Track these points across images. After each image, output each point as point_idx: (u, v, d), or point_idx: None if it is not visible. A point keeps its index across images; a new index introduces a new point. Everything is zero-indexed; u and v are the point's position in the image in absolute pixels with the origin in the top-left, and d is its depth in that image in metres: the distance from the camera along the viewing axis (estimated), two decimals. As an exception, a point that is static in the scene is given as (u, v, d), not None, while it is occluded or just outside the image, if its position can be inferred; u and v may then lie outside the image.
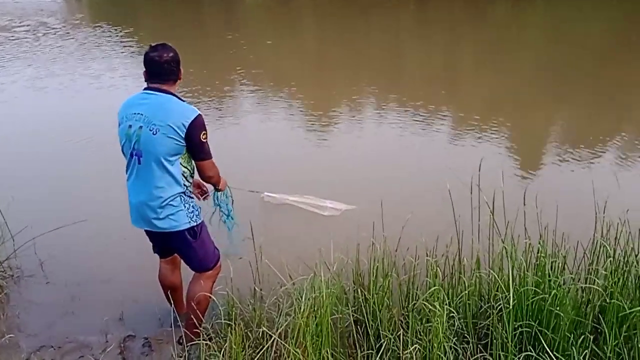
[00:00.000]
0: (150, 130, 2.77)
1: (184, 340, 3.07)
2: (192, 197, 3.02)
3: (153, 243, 3.20)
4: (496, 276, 2.81)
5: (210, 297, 3.10)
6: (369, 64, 11.41)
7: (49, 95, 8.85)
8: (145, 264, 3.51)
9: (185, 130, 2.76)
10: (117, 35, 13.60)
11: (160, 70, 2.83)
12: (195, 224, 2.97)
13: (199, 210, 3.04)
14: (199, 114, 2.82)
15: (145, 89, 2.88)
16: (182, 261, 3.24)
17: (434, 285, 2.85)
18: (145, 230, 3.05)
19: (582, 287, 2.81)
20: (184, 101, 2.89)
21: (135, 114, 2.82)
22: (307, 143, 6.84)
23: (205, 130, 2.84)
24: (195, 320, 3.07)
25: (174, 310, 3.43)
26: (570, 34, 14.22)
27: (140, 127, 2.78)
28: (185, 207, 2.93)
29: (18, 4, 19.34)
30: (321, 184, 5.22)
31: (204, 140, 2.84)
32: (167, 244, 3.14)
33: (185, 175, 2.91)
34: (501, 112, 8.04)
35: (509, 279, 2.71)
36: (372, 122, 7.70)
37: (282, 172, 5.59)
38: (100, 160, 5.74)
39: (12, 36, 13.67)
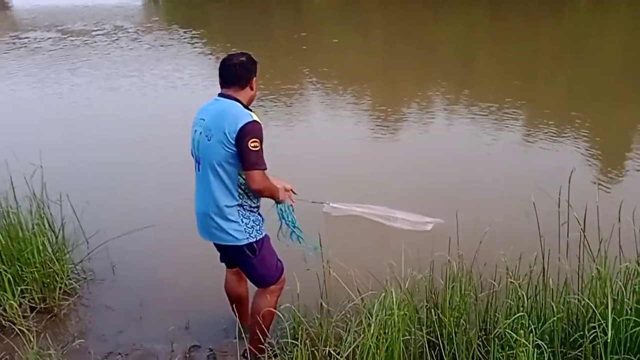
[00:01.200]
0: (207, 136, 2.72)
1: (249, 355, 2.99)
2: (254, 211, 2.89)
3: (219, 252, 3.14)
4: (589, 302, 2.52)
5: (274, 312, 3.00)
6: (439, 61, 11.10)
7: (121, 96, 9.14)
8: (213, 273, 3.45)
9: (235, 136, 2.66)
10: (187, 37, 13.93)
11: (228, 74, 2.79)
12: (253, 239, 2.85)
13: (260, 224, 2.91)
14: (254, 121, 2.69)
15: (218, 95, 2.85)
16: (247, 273, 3.15)
17: (517, 310, 2.61)
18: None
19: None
20: (250, 110, 2.79)
21: (201, 119, 2.79)
22: (375, 146, 6.69)
23: (257, 138, 2.66)
24: (260, 336, 2.97)
25: (239, 322, 3.38)
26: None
27: (201, 132, 2.76)
28: (243, 221, 2.82)
29: (98, 6, 20.30)
30: (390, 191, 5.03)
31: (253, 149, 2.65)
32: (228, 255, 3.08)
33: (243, 187, 2.79)
34: (584, 114, 7.55)
35: (604, 306, 2.43)
36: (444, 124, 7.44)
37: (347, 177, 5.41)
38: (171, 163, 5.81)
39: (88, 40, 14.27)
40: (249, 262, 2.92)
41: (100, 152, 6.54)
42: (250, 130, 2.66)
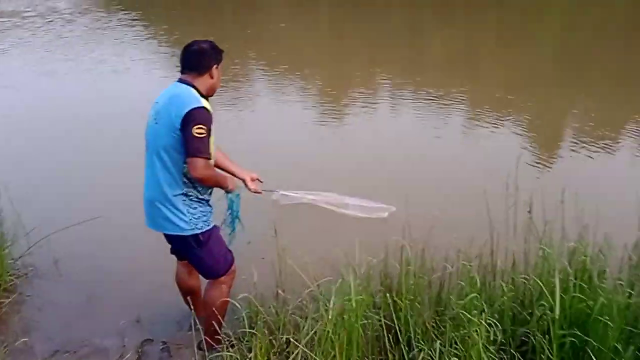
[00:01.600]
0: (155, 119, 2.67)
1: (204, 346, 2.95)
2: (202, 202, 2.80)
3: (169, 243, 3.05)
4: (539, 282, 2.62)
5: (227, 302, 2.97)
6: (387, 46, 11.17)
7: (57, 81, 8.75)
8: (163, 265, 3.36)
9: (180, 121, 2.58)
10: (127, 20, 13.42)
11: (187, 60, 2.74)
12: (199, 231, 2.77)
13: (207, 215, 2.83)
14: (202, 107, 2.61)
15: None
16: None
17: (470, 292, 2.68)
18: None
19: (630, 293, 2.61)
20: (205, 98, 2.72)
21: (155, 102, 2.73)
22: (323, 132, 6.68)
23: (203, 125, 2.57)
24: (215, 327, 2.93)
25: (193, 314, 3.32)
26: (592, 15, 13.86)
27: (151, 116, 2.71)
28: (188, 211, 2.74)
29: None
30: (339, 178, 5.01)
31: (197, 135, 2.55)
32: (176, 246, 3.00)
33: (189, 175, 2.70)
34: (525, 98, 7.85)
35: (552, 285, 2.54)
36: (391, 109, 7.53)
37: (295, 164, 5.34)
38: (115, 151, 5.62)
39: (20, 22, 13.52)
40: (195, 254, 2.86)
41: (38, 141, 6.24)
42: (197, 116, 2.58)
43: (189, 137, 2.56)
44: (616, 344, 2.44)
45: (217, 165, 3.04)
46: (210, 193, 2.90)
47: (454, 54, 10.77)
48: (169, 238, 2.92)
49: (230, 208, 3.04)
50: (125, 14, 14.23)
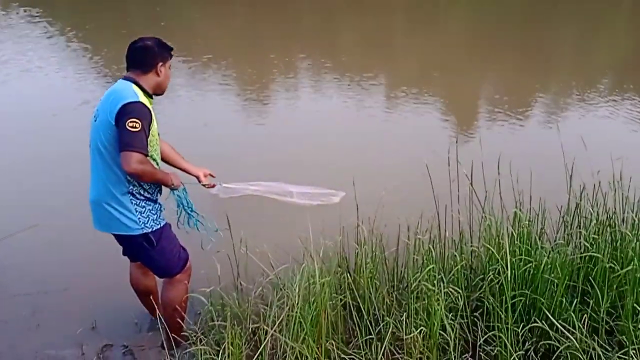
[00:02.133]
0: (95, 116, 2.61)
1: (166, 345, 2.91)
2: (150, 200, 2.73)
3: (120, 245, 2.97)
4: (490, 247, 2.80)
5: (187, 298, 2.95)
6: (301, 33, 11.23)
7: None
8: (112, 268, 3.27)
9: (115, 116, 2.52)
10: (27, 16, 12.63)
11: (131, 57, 2.70)
12: (149, 230, 2.71)
13: (157, 213, 2.77)
14: (137, 101, 2.55)
15: None
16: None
17: (427, 264, 2.82)
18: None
19: (571, 251, 2.85)
20: (146, 93, 2.67)
21: (100, 100, 2.67)
22: (254, 121, 6.64)
23: (137, 118, 2.49)
24: (178, 325, 2.90)
25: (152, 315, 3.27)
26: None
27: (93, 115, 2.65)
28: (136, 210, 2.68)
29: None
30: (279, 168, 4.97)
31: (130, 129, 2.47)
32: (127, 248, 2.93)
33: (123, 170, 2.60)
34: (439, 81, 8.17)
35: (502, 250, 2.72)
36: (313, 95, 7.60)
37: (228, 156, 5.22)
38: (43, 154, 5.35)
39: None
40: (147, 254, 2.80)
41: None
42: (131, 110, 2.50)
43: (121, 130, 2.49)
44: (562, 299, 2.67)
45: (167, 162, 3.00)
46: (160, 191, 2.84)
47: (367, 39, 11.02)
48: (119, 239, 2.85)
49: (181, 205, 2.96)
50: (26, 10, 13.36)
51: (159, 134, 2.79)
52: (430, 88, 7.68)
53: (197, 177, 3.04)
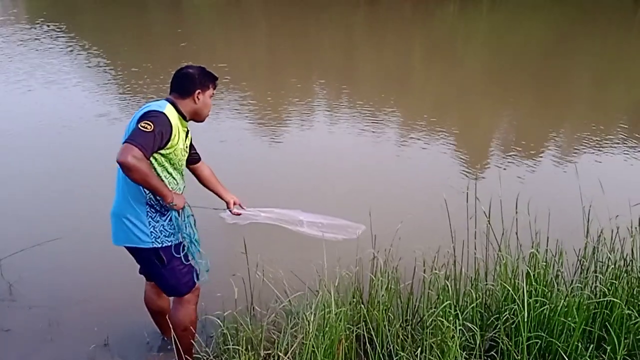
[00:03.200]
0: (126, 132, 2.61)
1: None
2: (162, 213, 2.72)
3: (137, 262, 3.00)
4: (507, 286, 2.80)
5: (196, 320, 2.95)
6: (320, 63, 11.37)
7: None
8: (128, 285, 3.32)
9: (136, 121, 2.54)
10: (52, 32, 12.96)
11: (173, 81, 2.79)
12: (159, 245, 2.72)
13: (170, 232, 2.75)
14: (159, 111, 2.58)
15: None
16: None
17: (443, 299, 2.82)
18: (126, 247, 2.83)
19: (588, 295, 2.84)
20: (181, 115, 2.74)
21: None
22: (262, 147, 6.66)
23: (152, 122, 2.50)
24: (192, 345, 2.91)
25: (163, 335, 3.29)
26: (513, 34, 14.76)
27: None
28: (150, 224, 2.70)
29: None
30: (290, 194, 5.03)
31: (140, 128, 2.47)
32: (138, 262, 2.95)
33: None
34: (458, 114, 8.23)
35: (519, 290, 2.72)
36: (329, 124, 7.65)
37: (242, 183, 4.86)
38: (75, 169, 5.44)
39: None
40: (157, 271, 2.81)
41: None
42: (150, 116, 2.54)
43: (135, 128, 2.50)
44: (578, 343, 2.65)
45: (204, 185, 3.11)
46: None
47: (386, 72, 11.13)
48: (132, 253, 2.85)
49: (180, 230, 2.79)
50: (50, 25, 13.72)
51: (189, 155, 2.89)
52: (447, 122, 7.72)
53: (227, 203, 3.10)
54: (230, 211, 3.10)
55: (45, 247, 3.83)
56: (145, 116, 2.55)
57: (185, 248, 2.83)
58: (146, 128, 2.48)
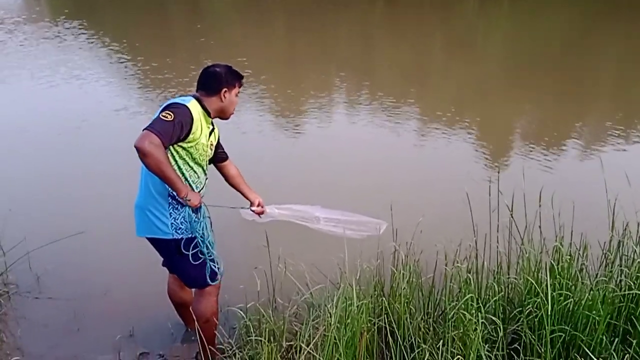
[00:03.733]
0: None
1: (203, 357, 2.96)
2: (184, 207, 2.73)
3: (159, 254, 3.03)
4: (531, 279, 2.78)
5: (217, 312, 2.98)
6: (340, 57, 11.35)
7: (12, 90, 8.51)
8: (152, 277, 3.37)
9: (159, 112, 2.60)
10: (74, 29, 13.14)
11: (201, 79, 2.83)
12: (179, 236, 2.75)
13: (190, 225, 2.75)
14: (182, 104, 2.62)
15: None
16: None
17: (465, 292, 2.81)
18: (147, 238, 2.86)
19: (613, 288, 2.80)
20: (206, 112, 2.77)
21: None
22: (282, 142, 6.67)
23: (172, 112, 2.53)
24: (215, 336, 2.95)
25: (187, 326, 3.33)
26: (535, 28, 14.57)
27: None
28: (171, 215, 2.73)
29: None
30: (312, 191, 5.00)
31: (161, 117, 2.51)
32: (160, 254, 2.98)
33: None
34: (479, 108, 8.15)
35: (542, 283, 2.70)
36: (350, 118, 7.64)
37: (261, 177, 4.86)
38: (95, 163, 5.56)
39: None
40: (178, 262, 2.85)
41: (15, 155, 6.08)
42: (172, 107, 2.59)
43: (156, 117, 2.54)
44: (603, 337, 2.62)
45: (230, 183, 3.16)
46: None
47: (405, 65, 11.07)
48: (154, 244, 2.88)
49: (193, 228, 2.77)
50: (72, 22, 13.91)
51: (216, 153, 2.98)
52: (469, 115, 7.65)
53: (251, 202, 3.14)
54: (252, 210, 3.12)
55: (69, 241, 3.89)
56: (168, 107, 2.60)
57: (199, 245, 2.81)
58: (167, 117, 2.51)
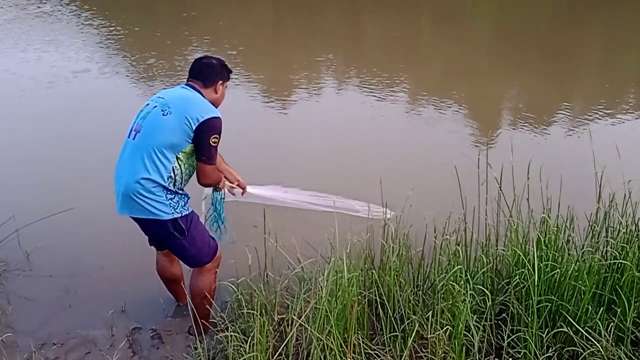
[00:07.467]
0: (162, 110, 2.70)
1: (195, 331, 2.99)
2: (178, 193, 2.80)
3: (146, 234, 3.03)
4: (519, 251, 2.82)
5: (216, 287, 3.02)
6: (326, 37, 11.22)
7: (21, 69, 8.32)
8: (142, 253, 3.37)
9: (197, 125, 2.67)
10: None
11: (196, 69, 2.88)
12: (179, 215, 2.77)
13: (185, 201, 2.84)
14: (219, 117, 2.75)
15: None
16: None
17: (454, 264, 2.85)
18: (133, 219, 2.87)
19: (598, 259, 2.84)
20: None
21: (159, 97, 2.80)
22: (269, 122, 6.63)
23: (219, 135, 2.74)
24: (209, 311, 2.97)
25: (188, 300, 3.35)
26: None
27: (155, 106, 2.74)
28: (167, 197, 2.75)
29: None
30: (309, 171, 4.99)
31: (213, 144, 2.73)
32: (155, 236, 3.00)
33: (176, 172, 2.73)
34: (468, 83, 8.14)
35: (529, 255, 2.74)
36: (338, 97, 7.60)
37: (252, 157, 5.08)
38: (88, 140, 5.50)
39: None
40: (178, 243, 2.85)
41: (6, 133, 6.03)
42: (215, 126, 2.71)
43: (205, 144, 2.70)
44: (588, 306, 2.67)
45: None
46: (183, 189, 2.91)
47: (393, 41, 10.97)
48: (146, 228, 2.91)
49: (214, 206, 3.15)
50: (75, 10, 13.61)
51: None
52: (458, 91, 7.64)
53: (230, 182, 3.20)
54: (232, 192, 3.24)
55: (59, 217, 3.88)
56: (212, 127, 2.71)
57: (211, 221, 3.13)
58: (216, 142, 2.74)
